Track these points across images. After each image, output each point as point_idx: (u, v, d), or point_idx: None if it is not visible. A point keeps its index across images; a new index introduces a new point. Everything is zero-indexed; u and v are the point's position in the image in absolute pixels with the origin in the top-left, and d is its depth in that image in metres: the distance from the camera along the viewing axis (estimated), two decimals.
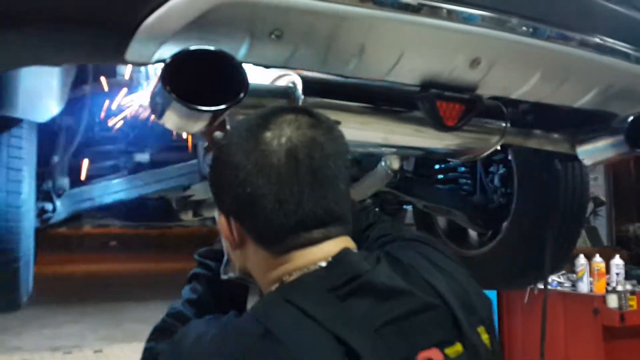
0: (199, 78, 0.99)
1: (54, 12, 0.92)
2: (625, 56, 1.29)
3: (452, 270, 0.84)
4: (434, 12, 1.07)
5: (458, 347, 0.75)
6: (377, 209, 1.04)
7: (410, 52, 1.12)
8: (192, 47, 0.94)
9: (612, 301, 3.43)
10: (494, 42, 1.16)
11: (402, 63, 1.13)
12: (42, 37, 0.94)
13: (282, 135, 0.78)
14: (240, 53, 1.03)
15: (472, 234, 2.36)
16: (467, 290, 0.82)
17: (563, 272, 4.11)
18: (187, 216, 2.52)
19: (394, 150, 1.50)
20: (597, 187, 6.25)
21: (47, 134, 1.79)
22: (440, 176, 2.21)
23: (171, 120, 1.07)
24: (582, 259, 3.66)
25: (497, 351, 0.81)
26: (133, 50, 0.97)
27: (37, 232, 1.90)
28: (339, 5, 1.01)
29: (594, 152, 1.49)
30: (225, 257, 0.93)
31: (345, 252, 0.78)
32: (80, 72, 1.84)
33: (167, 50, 0.98)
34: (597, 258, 3.65)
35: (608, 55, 1.28)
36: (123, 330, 6.55)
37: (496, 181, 2.16)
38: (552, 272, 2.40)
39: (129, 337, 6.04)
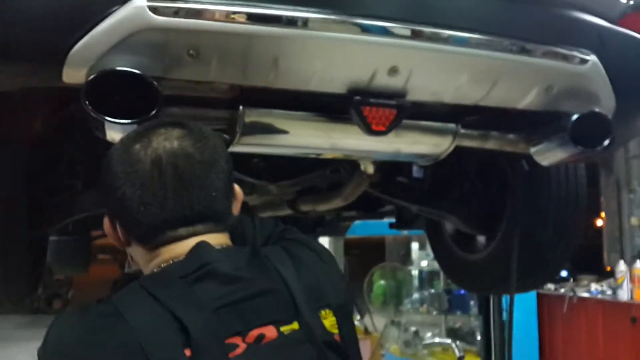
0: (126, 95, 1.13)
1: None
2: (554, 56, 1.30)
3: (311, 263, 0.95)
4: (336, 26, 1.14)
5: (294, 326, 0.86)
6: (280, 222, 1.14)
7: (323, 63, 1.19)
8: (106, 69, 1.08)
9: None
10: (407, 51, 1.20)
11: (318, 73, 1.21)
12: None
13: (149, 147, 0.91)
14: (162, 70, 1.16)
15: (480, 238, 2.36)
16: (319, 279, 0.92)
17: (610, 278, 3.95)
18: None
19: (346, 154, 1.56)
20: None
21: None
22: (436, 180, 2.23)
23: (109, 134, 1.21)
24: (622, 265, 3.50)
25: (347, 336, 0.90)
26: (67, 74, 1.12)
27: None
28: (243, 26, 1.11)
29: (545, 152, 1.48)
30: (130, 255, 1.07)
31: (199, 244, 0.89)
32: None
33: (96, 71, 1.12)
34: (638, 264, 3.47)
35: (536, 57, 1.29)
36: None
37: (492, 186, 2.16)
38: (547, 280, 2.35)
39: None
